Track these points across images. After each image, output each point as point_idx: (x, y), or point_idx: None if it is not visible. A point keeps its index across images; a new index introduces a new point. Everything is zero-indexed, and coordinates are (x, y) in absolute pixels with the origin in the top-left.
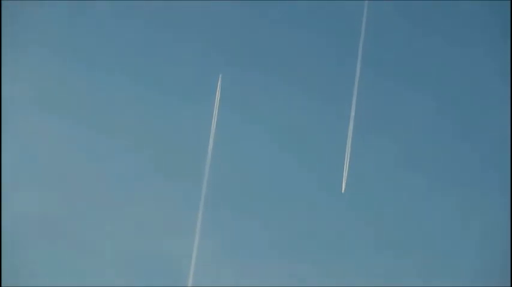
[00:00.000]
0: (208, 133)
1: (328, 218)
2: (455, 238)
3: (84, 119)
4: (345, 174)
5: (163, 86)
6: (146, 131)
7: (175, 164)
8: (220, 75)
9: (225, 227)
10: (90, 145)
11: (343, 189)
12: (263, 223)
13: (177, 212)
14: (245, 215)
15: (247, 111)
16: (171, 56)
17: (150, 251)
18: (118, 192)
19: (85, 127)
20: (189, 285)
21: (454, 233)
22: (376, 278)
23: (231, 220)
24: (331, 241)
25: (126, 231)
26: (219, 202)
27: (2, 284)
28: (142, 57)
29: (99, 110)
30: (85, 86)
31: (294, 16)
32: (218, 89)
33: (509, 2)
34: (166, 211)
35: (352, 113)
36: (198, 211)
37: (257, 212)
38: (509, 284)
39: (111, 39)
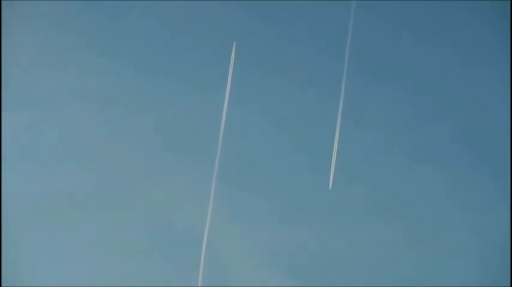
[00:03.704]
0: (221, 114)
1: (324, 191)
2: (455, 238)
3: (97, 106)
4: (334, 160)
5: (176, 68)
6: (160, 110)
7: (190, 141)
8: (235, 43)
9: (235, 198)
10: (106, 125)
11: (330, 184)
12: (267, 194)
13: (192, 185)
14: (252, 187)
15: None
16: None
17: (169, 218)
18: (138, 168)
19: (99, 111)
20: (203, 247)
21: (454, 233)
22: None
23: (240, 191)
24: (327, 210)
25: (146, 202)
26: (230, 176)
27: (2, 284)
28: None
29: (112, 92)
30: (92, 78)
31: (285, 14)
32: (232, 59)
33: (509, 2)
34: (183, 184)
35: (341, 99)
36: (211, 183)
37: (262, 185)
38: (509, 284)
39: (116, 29)
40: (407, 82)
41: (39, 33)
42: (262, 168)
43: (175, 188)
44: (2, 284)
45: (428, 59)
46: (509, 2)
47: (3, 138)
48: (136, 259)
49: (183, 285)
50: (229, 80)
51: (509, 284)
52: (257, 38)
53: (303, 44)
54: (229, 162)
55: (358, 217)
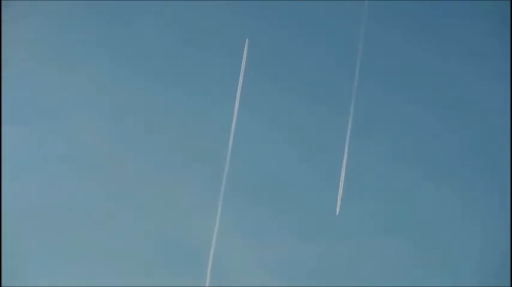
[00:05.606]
0: (230, 123)
1: (331, 204)
2: (455, 239)
3: (104, 111)
4: (342, 180)
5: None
6: (166, 118)
7: (198, 153)
8: (247, 40)
9: (242, 211)
10: (111, 131)
11: (337, 210)
12: (274, 206)
13: (200, 198)
14: (260, 200)
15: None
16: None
17: (176, 229)
18: (145, 179)
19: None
20: (210, 260)
21: (454, 234)
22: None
23: (247, 204)
24: (333, 224)
25: (155, 212)
26: (238, 187)
27: (2, 284)
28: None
29: (116, 99)
30: (94, 81)
31: (295, 17)
32: (242, 69)
33: (509, 2)
34: (192, 194)
35: (351, 110)
36: (219, 193)
37: (270, 198)
38: (509, 284)
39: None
40: (415, 91)
41: (40, 34)
42: (270, 181)
43: (182, 201)
44: (2, 284)
45: (433, 67)
46: (509, 2)
47: (7, 148)
48: (141, 271)
49: None
50: (239, 89)
51: (509, 284)
52: (267, 45)
53: (314, 51)
54: (237, 175)
55: (367, 233)
